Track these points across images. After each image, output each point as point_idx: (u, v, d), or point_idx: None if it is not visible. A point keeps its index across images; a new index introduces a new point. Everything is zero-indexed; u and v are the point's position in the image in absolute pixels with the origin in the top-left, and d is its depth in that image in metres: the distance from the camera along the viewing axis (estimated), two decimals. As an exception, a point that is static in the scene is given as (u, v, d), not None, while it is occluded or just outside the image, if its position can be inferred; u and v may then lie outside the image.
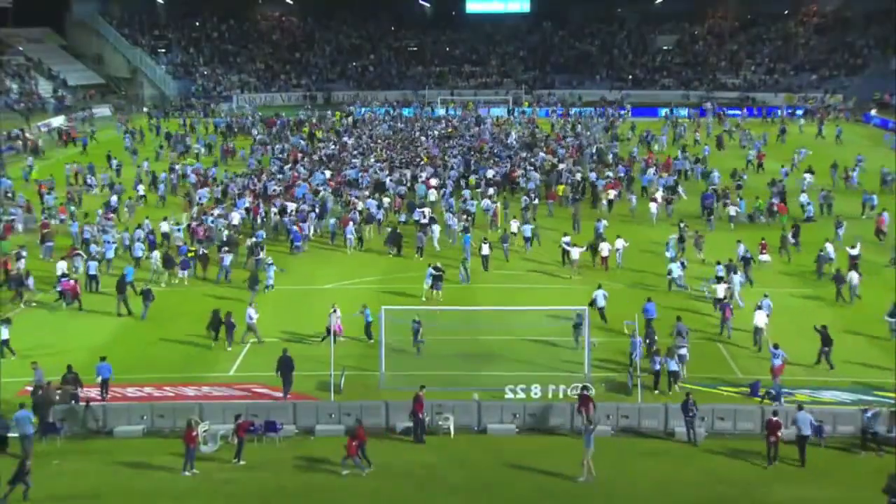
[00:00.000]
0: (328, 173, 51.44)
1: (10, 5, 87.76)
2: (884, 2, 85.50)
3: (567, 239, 38.15)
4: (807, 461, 22.79)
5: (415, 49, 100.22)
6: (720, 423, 24.65)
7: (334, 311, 29.82)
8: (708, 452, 23.69)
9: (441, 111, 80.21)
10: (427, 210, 43.25)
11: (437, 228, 40.93)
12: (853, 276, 33.59)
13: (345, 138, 65.29)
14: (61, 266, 35.55)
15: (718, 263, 34.30)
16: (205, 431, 23.64)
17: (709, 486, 22.10)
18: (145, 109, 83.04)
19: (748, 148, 59.90)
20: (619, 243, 38.02)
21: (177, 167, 54.55)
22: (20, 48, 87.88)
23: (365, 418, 24.72)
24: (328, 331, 29.27)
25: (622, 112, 78.43)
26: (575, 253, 37.07)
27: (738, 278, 33.33)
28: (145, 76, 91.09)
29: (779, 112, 77.31)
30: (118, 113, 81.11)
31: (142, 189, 49.73)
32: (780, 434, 22.91)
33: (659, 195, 46.18)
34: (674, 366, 26.85)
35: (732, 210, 43.68)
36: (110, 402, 26.03)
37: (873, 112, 76.51)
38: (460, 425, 24.74)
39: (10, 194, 49.32)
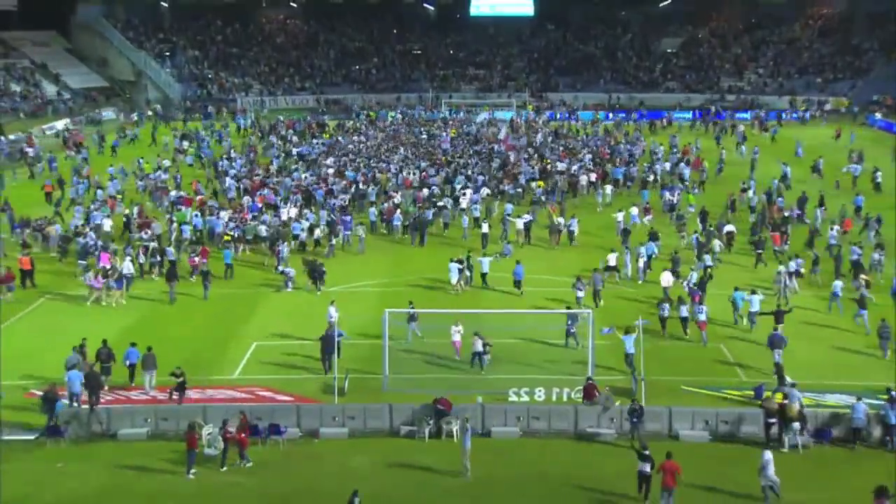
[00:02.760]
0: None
1: (15, 8, 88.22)
2: (888, 4, 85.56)
3: (528, 216, 42.75)
4: (809, 462, 23.22)
5: (419, 52, 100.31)
6: (724, 426, 24.61)
7: (457, 326, 29.01)
8: (712, 456, 23.67)
9: (475, 114, 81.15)
10: (469, 191, 46.54)
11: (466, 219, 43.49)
12: (716, 244, 38.16)
13: (363, 138, 67.23)
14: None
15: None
16: (208, 434, 23.65)
17: (714, 489, 22.08)
18: (149, 112, 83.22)
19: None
20: (619, 216, 42.49)
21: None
22: (25, 51, 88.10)
23: (368, 421, 24.83)
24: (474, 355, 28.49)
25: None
26: (519, 223, 41.40)
27: (644, 249, 37.26)
28: (150, 79, 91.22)
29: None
30: (131, 117, 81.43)
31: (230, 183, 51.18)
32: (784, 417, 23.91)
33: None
34: (684, 312, 30.46)
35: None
36: (114, 404, 26.07)
37: (878, 115, 76.48)
38: (464, 428, 24.75)
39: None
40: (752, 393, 26.36)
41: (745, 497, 21.65)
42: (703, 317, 30.21)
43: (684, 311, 30.70)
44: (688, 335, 30.51)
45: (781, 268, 34.58)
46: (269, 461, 23.49)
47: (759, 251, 38.08)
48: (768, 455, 21.39)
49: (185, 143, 64.78)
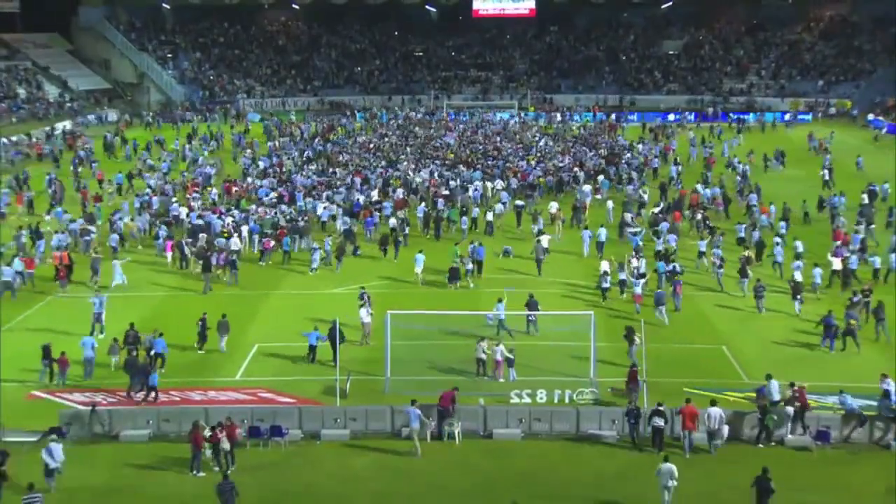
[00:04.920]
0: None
1: (18, 10, 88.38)
2: (890, 6, 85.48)
3: (519, 202, 46.02)
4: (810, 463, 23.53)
5: (420, 54, 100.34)
6: (726, 428, 24.60)
7: (499, 346, 28.55)
8: (714, 459, 23.67)
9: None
10: (478, 183, 49.73)
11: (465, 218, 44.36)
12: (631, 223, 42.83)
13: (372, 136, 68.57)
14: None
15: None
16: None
17: (716, 492, 22.08)
18: (150, 114, 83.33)
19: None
20: (610, 204, 45.81)
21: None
22: (27, 53, 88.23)
23: (370, 423, 24.84)
24: (479, 362, 28.36)
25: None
26: (499, 209, 44.94)
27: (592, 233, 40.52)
28: (152, 81, 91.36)
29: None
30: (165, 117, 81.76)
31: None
32: (805, 400, 24.74)
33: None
34: (622, 276, 34.70)
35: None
36: (116, 406, 26.09)
37: (880, 117, 76.42)
38: (466, 430, 24.72)
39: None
40: (754, 394, 26.39)
41: (744, 497, 21.67)
42: (638, 290, 33.49)
43: (622, 275, 34.77)
44: (605, 301, 34.09)
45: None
46: (270, 462, 23.52)
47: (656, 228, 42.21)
48: (711, 410, 23.82)
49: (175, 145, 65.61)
